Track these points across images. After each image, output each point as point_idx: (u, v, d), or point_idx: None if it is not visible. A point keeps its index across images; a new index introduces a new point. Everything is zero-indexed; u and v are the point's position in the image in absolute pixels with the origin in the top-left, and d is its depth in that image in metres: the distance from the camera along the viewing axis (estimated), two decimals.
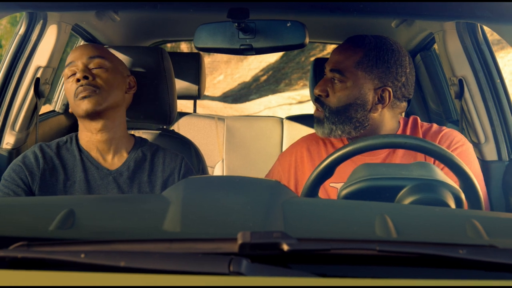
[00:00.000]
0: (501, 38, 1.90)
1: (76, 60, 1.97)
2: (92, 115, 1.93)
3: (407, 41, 3.14)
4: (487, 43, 2.47)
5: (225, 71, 19.48)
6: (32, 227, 1.17)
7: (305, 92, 15.52)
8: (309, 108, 13.52)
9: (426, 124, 2.06)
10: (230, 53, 1.89)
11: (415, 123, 2.07)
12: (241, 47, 1.81)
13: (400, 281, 0.96)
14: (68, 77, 1.96)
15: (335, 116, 1.97)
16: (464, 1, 1.76)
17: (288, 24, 1.79)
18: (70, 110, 2.03)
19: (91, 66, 1.97)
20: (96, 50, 2.01)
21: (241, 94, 17.66)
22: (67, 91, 1.97)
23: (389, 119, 2.01)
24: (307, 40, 1.82)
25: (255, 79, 18.77)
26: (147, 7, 2.08)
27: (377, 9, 1.95)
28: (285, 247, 0.96)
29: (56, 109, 3.22)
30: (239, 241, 0.97)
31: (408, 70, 1.98)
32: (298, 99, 15.24)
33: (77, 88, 1.92)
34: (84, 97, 1.91)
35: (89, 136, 1.98)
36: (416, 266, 1.02)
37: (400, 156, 1.98)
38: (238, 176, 1.46)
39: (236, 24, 1.75)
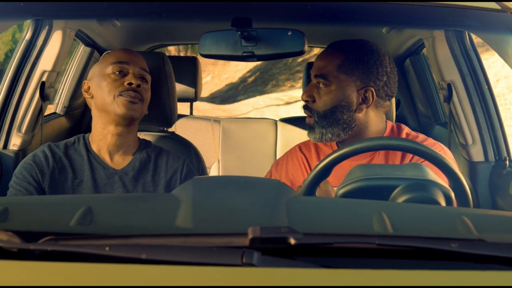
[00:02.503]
0: (488, 45, 1.99)
1: (130, 63, 2.04)
2: (124, 120, 2.00)
3: (398, 46, 3.21)
4: (474, 50, 2.55)
5: (212, 72, 19.44)
6: (54, 223, 1.24)
7: (292, 93, 15.52)
8: (297, 109, 13.55)
9: (413, 133, 2.11)
10: (233, 60, 1.97)
11: (400, 129, 2.13)
12: (244, 54, 1.89)
13: (397, 272, 1.03)
14: (115, 73, 2.01)
15: (324, 120, 2.02)
16: (452, 7, 1.84)
17: (289, 33, 1.87)
18: (89, 97, 2.06)
19: (140, 76, 2.05)
20: (145, 63, 2.10)
21: (229, 95, 17.64)
22: (107, 85, 2.00)
23: (374, 118, 2.07)
24: (306, 47, 1.90)
25: (243, 80, 18.74)
26: (152, 15, 2.15)
27: (371, 19, 2.03)
28: (292, 241, 1.03)
29: (57, 111, 3.28)
30: (250, 236, 1.04)
31: (388, 69, 2.04)
32: (286, 100, 15.25)
33: (126, 90, 1.98)
34: (130, 101, 1.97)
35: (104, 135, 2.04)
36: (412, 258, 1.09)
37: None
38: (243, 176, 1.54)
39: (239, 32, 1.83)
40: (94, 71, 2.10)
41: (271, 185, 1.49)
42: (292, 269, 1.02)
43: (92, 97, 2.07)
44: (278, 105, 14.87)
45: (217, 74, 19.42)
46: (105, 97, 2.00)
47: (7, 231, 1.08)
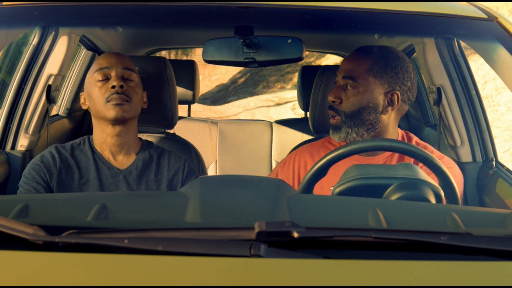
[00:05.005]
0: (477, 53, 2.07)
1: (111, 66, 2.09)
2: (118, 122, 2.06)
3: None
4: (463, 56, 2.62)
5: (202, 73, 19.35)
6: (72, 219, 1.32)
7: (283, 95, 15.52)
8: (287, 110, 13.59)
9: (422, 143, 2.19)
10: (235, 65, 2.04)
11: (410, 138, 2.22)
12: (245, 60, 1.96)
13: (392, 262, 1.12)
14: (99, 81, 2.07)
15: (351, 120, 2.08)
16: (441, 17, 1.92)
17: (289, 41, 1.95)
18: (87, 108, 2.11)
19: (124, 76, 2.09)
20: (129, 63, 2.14)
21: (220, 96, 17.60)
22: (95, 94, 2.06)
23: (394, 122, 2.14)
24: (304, 54, 1.98)
25: (233, 81, 18.72)
26: (158, 23, 2.22)
27: (365, 26, 2.10)
28: (296, 235, 1.12)
29: (59, 113, 3.36)
30: (257, 230, 1.12)
31: (412, 76, 2.12)
32: (276, 101, 15.23)
33: (111, 94, 2.03)
34: (117, 104, 2.03)
35: (104, 138, 2.11)
36: (405, 250, 1.17)
37: (396, 161, 2.11)
38: (246, 175, 1.62)
39: (241, 39, 1.90)
40: (85, 81, 2.16)
41: (273, 183, 1.58)
42: (296, 260, 1.10)
43: (88, 107, 2.14)
44: (268, 106, 14.85)
45: (207, 75, 19.37)
46: (96, 105, 2.07)
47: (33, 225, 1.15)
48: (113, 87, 2.05)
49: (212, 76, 19.29)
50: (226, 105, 15.84)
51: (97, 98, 2.06)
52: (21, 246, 1.13)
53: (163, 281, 1.02)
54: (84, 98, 2.15)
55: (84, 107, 2.16)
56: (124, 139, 2.13)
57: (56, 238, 1.12)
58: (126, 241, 1.11)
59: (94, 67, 2.12)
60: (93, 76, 2.09)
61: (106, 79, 2.08)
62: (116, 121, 2.07)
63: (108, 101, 2.04)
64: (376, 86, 2.07)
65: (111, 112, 2.04)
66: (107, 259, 1.09)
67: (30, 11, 1.91)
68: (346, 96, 2.09)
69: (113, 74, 2.08)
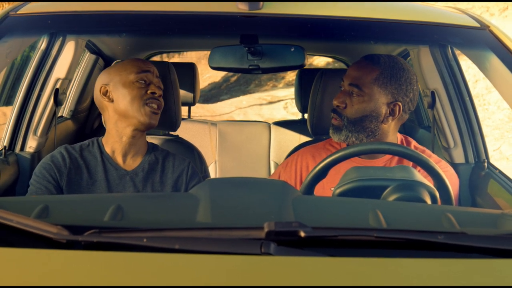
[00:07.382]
0: (469, 59, 2.14)
1: (151, 72, 2.17)
2: (146, 127, 2.15)
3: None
4: (456, 61, 2.69)
5: None
6: (92, 219, 1.38)
7: (275, 93, 15.53)
8: (280, 109, 13.62)
9: (420, 147, 2.26)
10: (240, 72, 2.11)
11: (408, 142, 2.28)
12: (250, 67, 2.03)
13: (392, 260, 1.19)
14: (136, 82, 2.13)
15: (352, 126, 2.14)
16: (435, 25, 1.99)
17: (291, 49, 2.02)
18: (106, 101, 2.15)
19: (159, 86, 2.18)
20: (157, 72, 2.22)
21: (212, 94, 17.57)
22: (130, 93, 2.12)
23: (394, 130, 2.21)
24: (306, 61, 2.05)
25: (225, 79, 18.68)
26: (166, 32, 2.28)
27: (362, 34, 2.16)
28: (303, 234, 1.18)
29: (64, 115, 3.42)
30: (266, 229, 1.18)
31: (415, 88, 2.17)
32: (268, 99, 15.23)
33: (151, 98, 2.12)
34: (154, 113, 2.13)
35: (119, 137, 2.17)
36: (405, 248, 1.23)
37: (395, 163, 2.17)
38: (252, 177, 1.68)
39: (246, 47, 1.97)
40: (112, 76, 2.18)
41: (278, 185, 1.64)
42: (303, 258, 1.17)
43: (111, 101, 2.16)
44: (261, 104, 14.85)
45: (199, 74, 19.28)
46: (129, 104, 2.12)
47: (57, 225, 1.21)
48: (153, 93, 2.13)
49: (204, 74, 19.24)
50: (219, 103, 15.81)
51: (133, 97, 2.12)
52: (45, 245, 1.18)
53: (179, 277, 1.08)
54: (107, 91, 2.17)
55: (104, 99, 2.18)
56: (137, 141, 2.20)
57: (79, 237, 1.17)
58: (144, 240, 1.17)
59: (130, 67, 2.17)
60: (132, 75, 2.14)
61: (145, 82, 2.15)
62: (144, 126, 2.15)
63: (146, 104, 2.12)
64: (380, 96, 2.13)
65: (146, 117, 2.12)
66: (126, 257, 1.15)
67: (42, 19, 1.96)
68: (351, 102, 2.15)
69: (153, 81, 2.16)
